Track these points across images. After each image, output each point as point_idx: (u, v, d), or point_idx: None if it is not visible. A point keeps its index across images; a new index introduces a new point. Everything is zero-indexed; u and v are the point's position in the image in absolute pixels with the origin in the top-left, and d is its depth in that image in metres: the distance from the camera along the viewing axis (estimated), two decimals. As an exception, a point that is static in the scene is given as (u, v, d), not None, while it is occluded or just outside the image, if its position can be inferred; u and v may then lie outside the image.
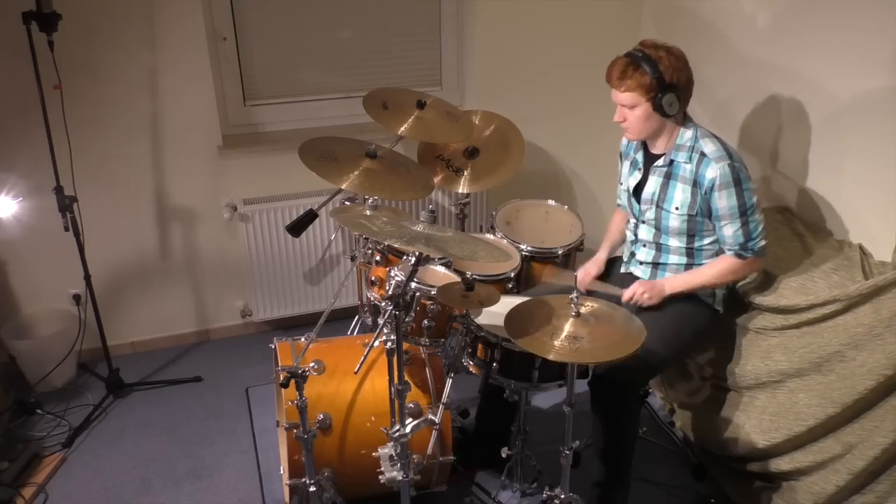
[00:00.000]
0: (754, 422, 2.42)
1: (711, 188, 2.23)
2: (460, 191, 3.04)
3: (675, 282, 2.40)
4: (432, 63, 3.44)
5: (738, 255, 2.31)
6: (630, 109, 2.25)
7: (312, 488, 2.23)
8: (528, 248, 2.81)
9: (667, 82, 2.17)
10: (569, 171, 3.65)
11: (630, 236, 2.56)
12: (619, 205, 2.68)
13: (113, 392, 3.11)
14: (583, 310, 1.96)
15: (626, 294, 2.38)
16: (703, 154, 2.26)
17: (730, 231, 2.28)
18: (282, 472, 2.54)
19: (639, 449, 2.42)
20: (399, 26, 3.32)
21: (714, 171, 2.22)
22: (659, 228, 2.40)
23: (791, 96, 2.67)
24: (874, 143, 2.39)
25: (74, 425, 2.93)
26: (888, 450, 2.10)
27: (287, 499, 2.42)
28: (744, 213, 2.24)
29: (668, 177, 2.33)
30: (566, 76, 3.46)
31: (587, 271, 2.56)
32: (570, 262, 2.91)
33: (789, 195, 2.75)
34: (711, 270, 2.36)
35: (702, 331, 2.47)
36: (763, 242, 2.30)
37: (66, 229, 2.79)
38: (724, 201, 2.23)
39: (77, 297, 3.15)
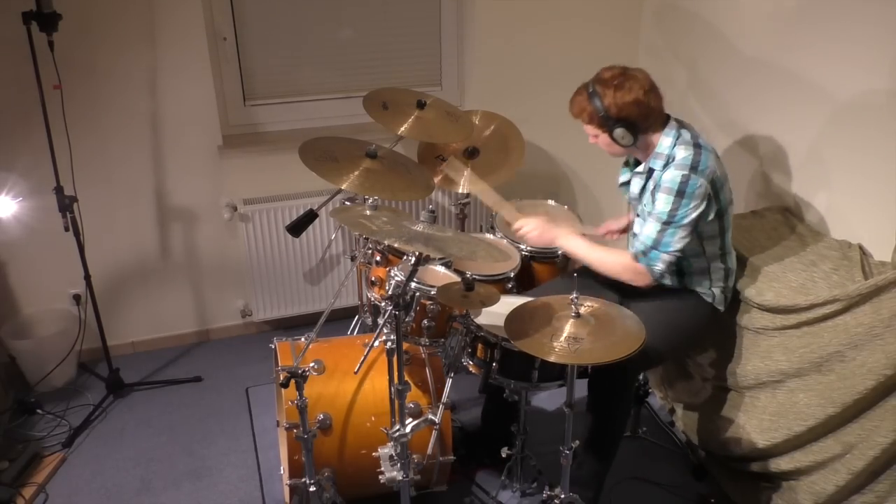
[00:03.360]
0: (754, 422, 2.42)
1: (658, 187, 2.24)
2: (460, 191, 3.04)
3: (569, 240, 2.44)
4: (432, 63, 3.44)
5: (635, 257, 2.30)
6: (593, 137, 2.34)
7: (312, 488, 2.23)
8: (528, 248, 2.81)
9: (613, 119, 2.23)
10: (569, 171, 3.65)
11: (631, 233, 2.58)
12: None
13: (113, 392, 3.11)
14: (582, 310, 1.96)
15: (518, 223, 2.47)
16: (672, 159, 2.26)
17: (647, 229, 2.26)
18: (282, 472, 2.54)
19: (639, 449, 2.43)
20: (399, 27, 3.32)
21: (669, 175, 2.22)
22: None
23: (791, 95, 2.67)
24: (874, 143, 2.38)
25: (74, 425, 2.94)
26: (888, 450, 2.10)
27: (287, 499, 2.42)
28: (669, 221, 2.22)
29: (646, 180, 2.35)
30: (566, 76, 3.42)
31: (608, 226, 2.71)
32: (571, 262, 2.91)
33: (789, 195, 2.75)
34: (604, 255, 2.37)
35: (699, 327, 2.47)
36: (661, 266, 2.25)
37: (66, 229, 2.79)
38: (660, 203, 2.22)
39: (77, 297, 3.15)
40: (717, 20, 2.99)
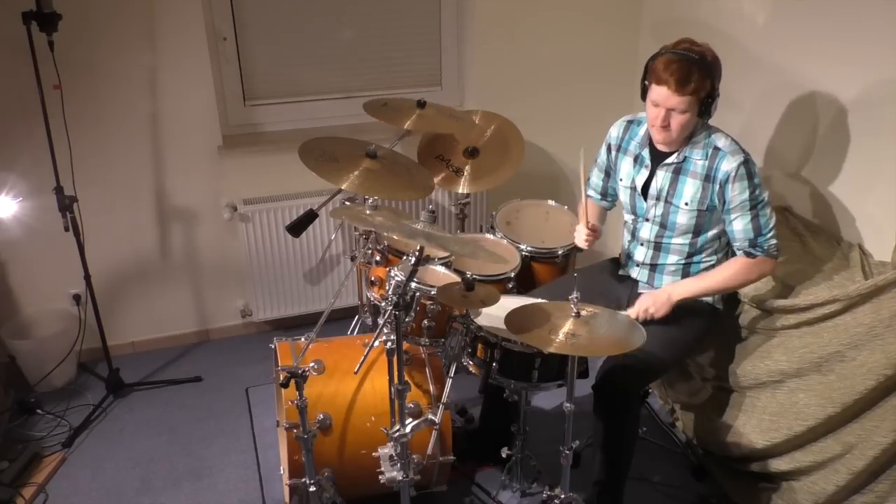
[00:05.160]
0: (754, 422, 2.42)
1: (727, 181, 2.22)
2: (460, 191, 3.04)
3: (681, 288, 2.36)
4: (432, 63, 3.44)
5: (748, 254, 2.28)
6: (680, 114, 2.16)
7: (312, 488, 2.23)
8: (528, 248, 2.81)
9: (716, 87, 2.17)
10: (569, 171, 3.65)
11: (627, 236, 2.54)
12: (589, 196, 2.63)
13: (113, 392, 3.11)
14: (583, 312, 1.95)
15: (632, 313, 2.32)
16: (717, 148, 2.24)
17: (740, 225, 2.26)
18: (282, 472, 2.54)
19: (639, 449, 2.43)
20: (399, 26, 3.32)
21: (730, 164, 2.21)
22: (664, 225, 2.38)
23: (791, 96, 2.68)
24: (874, 143, 2.39)
25: (74, 425, 2.93)
26: (888, 450, 2.10)
27: (287, 499, 2.42)
28: (755, 206, 2.23)
29: (678, 172, 2.31)
30: (566, 76, 3.46)
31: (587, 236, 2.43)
32: (570, 263, 2.91)
33: (789, 195, 2.75)
34: (722, 273, 2.34)
35: (704, 331, 2.46)
36: (774, 241, 2.27)
37: (66, 229, 2.79)
38: (737, 193, 2.22)
39: (77, 297, 3.15)
40: (716, 23, 2.99)
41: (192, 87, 3.03)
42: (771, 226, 2.26)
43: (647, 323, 2.28)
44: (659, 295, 2.35)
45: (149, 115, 3.02)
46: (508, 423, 2.59)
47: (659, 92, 2.16)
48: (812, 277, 2.38)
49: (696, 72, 2.11)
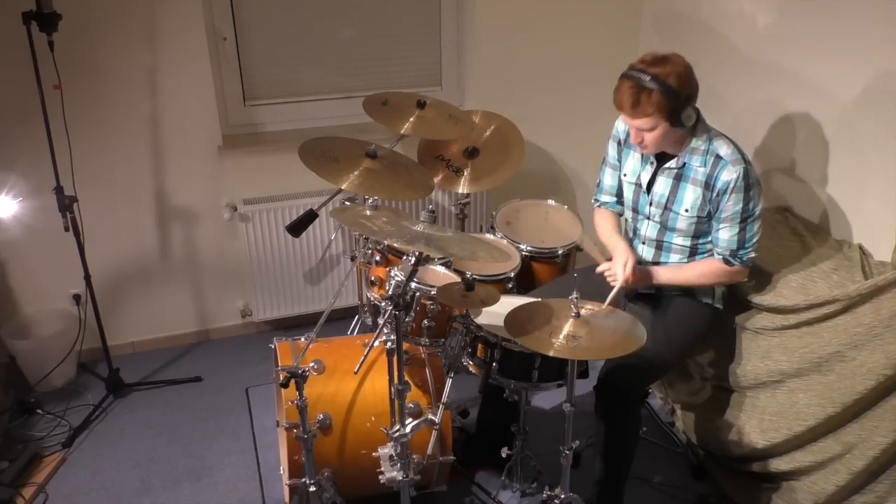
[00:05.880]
0: (754, 422, 2.42)
1: (724, 191, 2.21)
2: (460, 191, 3.04)
3: (661, 273, 2.39)
4: (432, 63, 3.44)
5: (726, 261, 2.30)
6: (649, 131, 2.16)
7: (312, 488, 2.23)
8: (528, 248, 2.81)
9: (682, 97, 2.11)
10: (569, 171, 3.65)
11: (629, 233, 2.55)
12: (603, 203, 2.58)
13: (113, 392, 3.11)
14: (583, 312, 1.95)
15: (610, 265, 2.32)
16: (718, 157, 2.22)
17: (726, 234, 2.27)
18: (282, 472, 2.54)
19: (639, 449, 2.43)
20: (399, 26, 3.32)
21: (730, 174, 2.19)
22: (665, 227, 2.39)
23: (791, 97, 2.68)
24: (874, 143, 2.39)
25: (74, 425, 2.94)
26: (888, 450, 2.10)
27: (287, 499, 2.42)
28: (745, 219, 2.23)
29: (679, 178, 2.30)
30: (566, 76, 3.46)
31: (627, 275, 2.30)
32: (570, 263, 2.91)
33: (789, 195, 2.75)
34: (697, 269, 2.37)
35: (704, 331, 2.47)
36: (753, 254, 2.29)
37: (66, 229, 2.79)
38: (731, 204, 2.22)
39: (77, 297, 3.15)
40: (716, 23, 2.99)
41: (192, 88, 3.03)
42: (755, 240, 2.27)
43: (645, 313, 2.31)
44: (644, 271, 2.37)
45: (149, 115, 3.02)
46: (508, 424, 2.59)
47: (622, 114, 2.19)
48: (812, 277, 2.38)
49: (644, 94, 2.08)
